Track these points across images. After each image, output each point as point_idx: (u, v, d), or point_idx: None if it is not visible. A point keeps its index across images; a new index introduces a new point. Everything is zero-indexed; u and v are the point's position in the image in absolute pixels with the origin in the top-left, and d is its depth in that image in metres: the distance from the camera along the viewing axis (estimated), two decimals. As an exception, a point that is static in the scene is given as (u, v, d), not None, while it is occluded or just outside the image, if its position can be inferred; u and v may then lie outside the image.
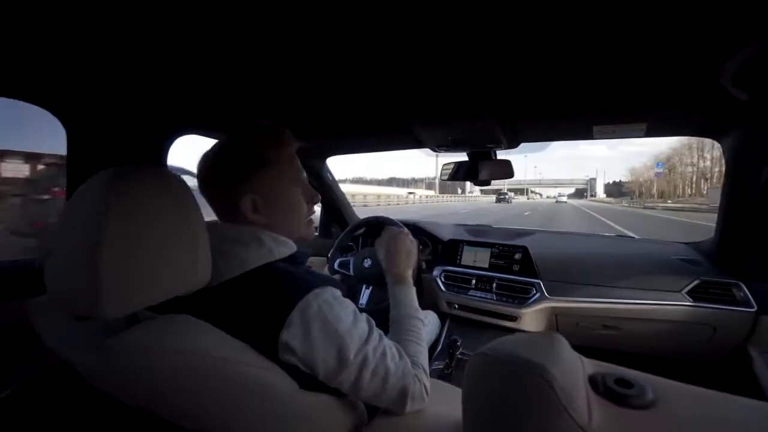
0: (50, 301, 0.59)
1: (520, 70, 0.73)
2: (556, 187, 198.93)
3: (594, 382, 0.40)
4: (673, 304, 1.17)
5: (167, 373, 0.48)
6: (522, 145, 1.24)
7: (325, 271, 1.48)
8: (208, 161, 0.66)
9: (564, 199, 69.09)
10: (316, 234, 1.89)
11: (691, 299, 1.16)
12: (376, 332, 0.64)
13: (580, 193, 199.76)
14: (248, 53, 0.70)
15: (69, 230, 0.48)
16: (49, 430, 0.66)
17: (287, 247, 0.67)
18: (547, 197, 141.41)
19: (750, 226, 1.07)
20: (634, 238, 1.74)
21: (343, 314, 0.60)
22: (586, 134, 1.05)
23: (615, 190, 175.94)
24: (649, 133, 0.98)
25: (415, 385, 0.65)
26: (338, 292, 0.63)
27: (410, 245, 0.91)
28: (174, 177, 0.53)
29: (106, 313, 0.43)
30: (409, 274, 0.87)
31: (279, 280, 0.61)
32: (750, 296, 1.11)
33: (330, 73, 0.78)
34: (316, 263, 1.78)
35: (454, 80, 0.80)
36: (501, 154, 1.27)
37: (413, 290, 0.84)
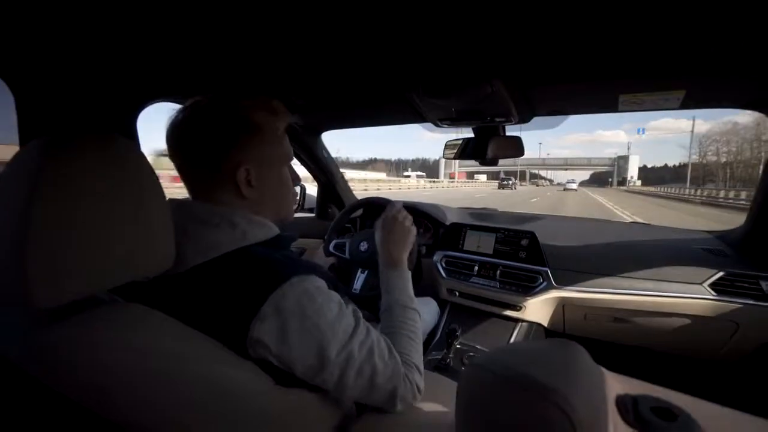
0: None
1: (534, 25, 0.61)
2: (566, 169, 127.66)
3: (623, 407, 0.32)
4: (693, 297, 1.08)
5: (110, 371, 0.42)
6: (532, 121, 1.11)
7: (320, 252, 1.40)
8: (184, 129, 0.56)
9: (574, 186, 54.76)
10: (311, 215, 1.81)
11: (713, 292, 1.06)
12: (363, 326, 0.57)
13: (601, 180, 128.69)
14: (231, 12, 0.60)
15: None
16: None
17: (266, 230, 0.60)
18: (558, 183, 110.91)
19: None
20: (650, 225, 1.62)
21: (326, 307, 0.53)
22: (610, 105, 0.93)
23: (653, 175, 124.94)
24: (686, 104, 0.86)
25: (406, 387, 0.59)
26: (321, 282, 0.55)
27: (407, 228, 0.83)
28: (128, 147, 0.45)
29: (36, 302, 0.37)
30: (404, 258, 0.79)
31: (252, 266, 0.53)
32: None
33: (321, 36, 0.68)
34: (312, 245, 1.71)
35: (458, 41, 0.69)
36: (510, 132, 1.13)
37: (408, 276, 0.77)
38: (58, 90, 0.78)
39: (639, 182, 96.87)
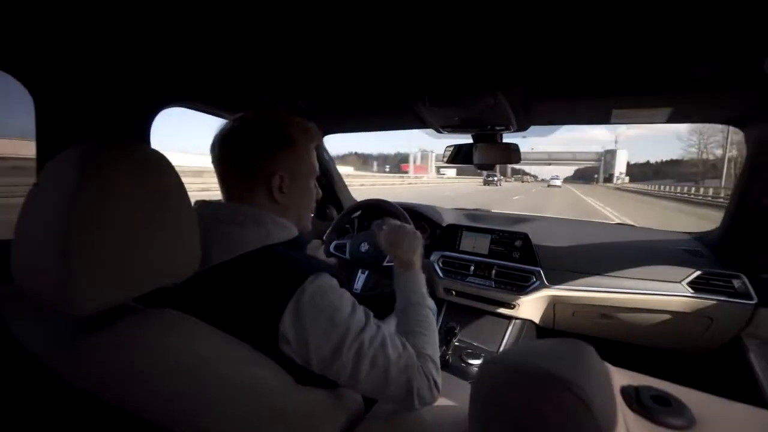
0: (19, 291, 0.54)
1: (537, 43, 0.67)
2: (550, 164, 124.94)
3: (627, 396, 0.37)
4: (673, 295, 1.16)
5: (149, 374, 0.44)
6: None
7: (321, 252, 1.43)
8: (232, 138, 0.63)
9: (558, 182, 55.27)
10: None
11: (691, 290, 1.15)
12: (374, 323, 0.60)
13: (585, 176, 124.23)
14: (241, 18, 0.63)
15: (36, 214, 0.42)
16: (18, 427, 0.62)
17: (287, 231, 0.65)
18: (542, 180, 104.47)
19: (762, 220, 1.05)
20: (635, 226, 1.72)
21: (338, 303, 0.56)
22: (603, 118, 1.00)
23: (637, 171, 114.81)
24: (672, 119, 0.93)
25: (421, 379, 0.60)
26: (334, 281, 0.59)
27: (411, 231, 0.88)
28: (154, 153, 0.47)
29: (78, 309, 0.39)
30: (415, 260, 0.83)
31: (276, 264, 0.57)
32: (751, 289, 1.10)
33: (329, 43, 0.71)
34: (312, 245, 1.74)
35: (464, 53, 0.73)
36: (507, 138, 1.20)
37: (422, 277, 0.79)
38: (76, 95, 0.79)
39: (627, 178, 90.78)
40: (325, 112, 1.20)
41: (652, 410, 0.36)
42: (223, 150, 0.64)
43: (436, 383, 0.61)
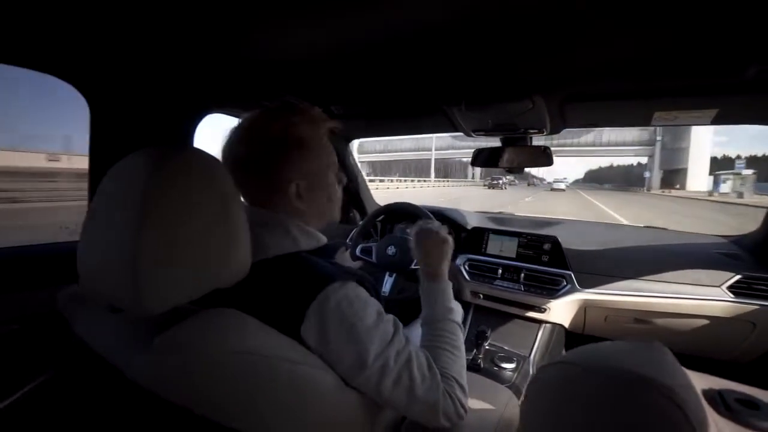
0: (83, 291, 0.55)
1: (577, 45, 0.65)
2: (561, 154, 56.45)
3: (712, 400, 0.36)
4: (712, 299, 1.13)
5: (214, 372, 0.45)
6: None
7: (347, 256, 1.44)
8: (240, 144, 0.61)
9: (561, 186, 43.06)
10: None
11: (731, 295, 1.12)
12: (402, 336, 0.58)
13: (600, 179, 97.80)
14: (278, 28, 0.64)
15: (104, 215, 0.43)
16: (81, 421, 0.64)
17: (315, 239, 0.64)
18: (548, 183, 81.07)
19: None
20: (666, 229, 1.69)
21: (363, 312, 0.55)
22: (644, 120, 0.98)
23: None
24: (717, 121, 0.92)
25: (447, 402, 0.57)
26: (361, 289, 0.58)
27: (444, 238, 0.83)
28: (212, 159, 0.48)
29: (147, 309, 0.40)
30: (443, 270, 0.78)
31: (299, 270, 0.57)
32: None
33: (365, 49, 0.71)
34: (338, 249, 1.75)
35: (503, 58, 0.73)
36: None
37: (449, 287, 0.76)
38: (128, 102, 0.82)
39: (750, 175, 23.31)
40: (356, 116, 1.21)
41: (740, 413, 0.35)
42: (230, 162, 0.62)
43: (462, 405, 0.59)
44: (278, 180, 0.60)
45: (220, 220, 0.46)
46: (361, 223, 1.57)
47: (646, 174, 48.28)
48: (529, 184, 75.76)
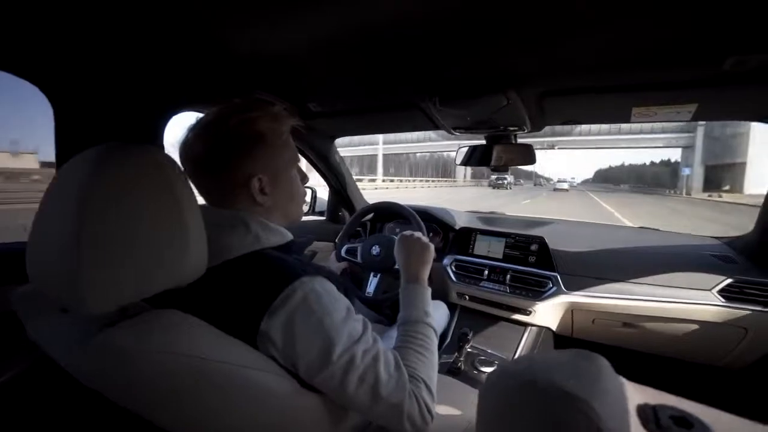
0: (35, 291, 0.55)
1: (550, 38, 0.63)
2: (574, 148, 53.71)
3: (644, 416, 0.34)
4: (702, 304, 1.09)
5: (152, 375, 0.44)
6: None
7: (332, 256, 1.43)
8: (198, 142, 0.59)
9: (564, 186, 42.26)
10: (323, 218, 1.84)
11: (722, 299, 1.08)
12: (371, 335, 0.58)
13: (609, 178, 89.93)
14: (252, 23, 0.63)
15: (50, 215, 0.43)
16: (35, 427, 0.64)
17: (279, 236, 0.62)
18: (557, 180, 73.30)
19: None
20: (659, 230, 1.64)
21: (332, 308, 0.54)
22: (622, 117, 0.95)
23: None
24: (697, 116, 0.88)
25: (412, 404, 0.56)
26: (330, 285, 0.57)
27: (425, 244, 0.87)
28: (165, 157, 0.47)
29: (89, 308, 0.39)
30: (424, 275, 0.81)
31: (265, 267, 0.56)
32: None
33: (338, 44, 0.70)
34: (324, 249, 1.74)
35: (474, 52, 0.71)
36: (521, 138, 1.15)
37: (427, 292, 0.77)
38: (93, 101, 0.81)
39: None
40: (335, 113, 1.20)
41: (670, 431, 0.32)
42: (188, 162, 0.60)
43: (429, 409, 0.57)
44: (239, 176, 0.59)
45: (168, 220, 0.45)
46: (347, 223, 1.55)
47: (685, 171, 35.81)
48: (535, 184, 73.99)
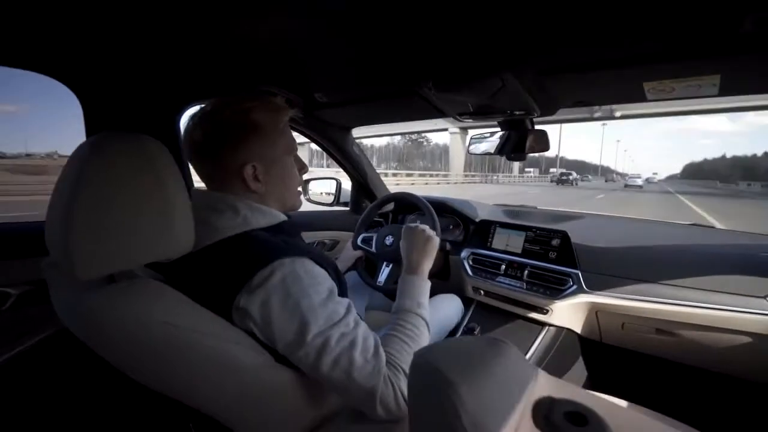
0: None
1: (539, 13, 0.57)
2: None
3: (538, 410, 0.32)
4: (752, 312, 0.93)
5: (121, 339, 0.50)
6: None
7: (348, 245, 1.46)
8: (195, 135, 0.65)
9: (639, 182, 39.46)
10: (347, 209, 1.88)
11: None
12: (352, 320, 0.59)
13: (702, 172, 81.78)
14: (257, 18, 0.65)
15: (58, 192, 0.51)
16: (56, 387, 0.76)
17: (268, 217, 0.66)
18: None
19: None
20: (714, 228, 1.41)
21: (311, 290, 0.56)
22: (635, 95, 0.83)
23: None
24: (723, 91, 0.74)
25: (387, 390, 0.56)
26: (314, 266, 0.59)
27: (428, 236, 0.88)
28: (151, 143, 0.53)
29: (79, 275, 0.46)
30: (424, 266, 0.82)
31: (248, 246, 0.60)
32: None
33: (337, 31, 0.69)
34: (346, 238, 1.78)
35: (462, 33, 0.67)
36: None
37: (424, 284, 0.78)
38: (115, 96, 0.93)
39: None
40: (343, 103, 1.21)
41: (558, 428, 0.30)
42: (189, 149, 0.66)
43: (403, 395, 0.57)
44: (233, 162, 0.64)
45: (154, 199, 0.51)
46: (364, 212, 1.57)
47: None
48: (606, 180, 66.03)
